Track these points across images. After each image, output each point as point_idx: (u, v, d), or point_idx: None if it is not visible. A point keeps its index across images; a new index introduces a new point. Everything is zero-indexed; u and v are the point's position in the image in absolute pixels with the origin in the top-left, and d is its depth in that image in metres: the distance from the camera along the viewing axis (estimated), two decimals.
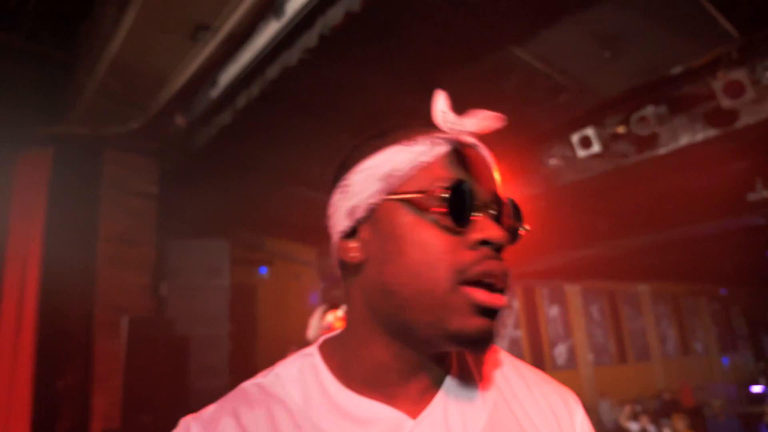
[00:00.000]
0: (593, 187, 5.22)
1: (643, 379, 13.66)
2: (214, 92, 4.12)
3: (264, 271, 7.91)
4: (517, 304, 11.63)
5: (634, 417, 8.30)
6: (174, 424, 0.77)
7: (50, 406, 4.73)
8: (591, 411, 11.21)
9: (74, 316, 4.58)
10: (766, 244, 9.13)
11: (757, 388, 13.53)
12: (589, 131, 4.51)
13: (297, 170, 5.88)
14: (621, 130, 4.51)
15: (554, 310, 12.37)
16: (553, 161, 4.90)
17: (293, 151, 5.39)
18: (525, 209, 0.75)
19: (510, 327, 11.36)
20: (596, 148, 4.51)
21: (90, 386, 4.54)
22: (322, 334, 1.88)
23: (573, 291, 12.80)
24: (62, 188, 4.80)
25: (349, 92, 4.38)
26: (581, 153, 4.60)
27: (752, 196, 5.33)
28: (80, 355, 4.64)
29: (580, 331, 12.61)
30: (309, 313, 8.49)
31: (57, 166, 4.82)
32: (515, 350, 11.26)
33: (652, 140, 4.44)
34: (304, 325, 8.42)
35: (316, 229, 7.69)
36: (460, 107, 0.69)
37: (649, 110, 4.26)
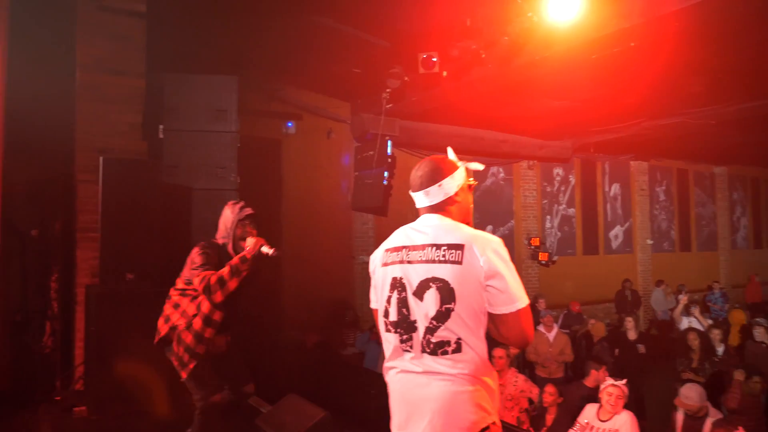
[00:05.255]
0: (704, 19, 3.93)
1: (706, 269, 12.38)
2: None
3: (290, 125, 7.02)
4: (573, 179, 10.53)
5: (687, 312, 7.44)
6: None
7: (41, 257, 4.21)
8: (645, 298, 10.43)
9: (49, 157, 3.85)
10: None
11: None
12: None
13: None
14: None
15: (615, 189, 11.23)
16: None
17: None
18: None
19: (563, 204, 10.39)
20: None
21: (74, 237, 3.91)
22: None
23: (639, 168, 11.48)
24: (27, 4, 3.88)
25: None
26: None
27: None
28: (61, 203, 3.98)
29: (641, 213, 11.50)
30: (341, 175, 7.63)
31: None
32: (567, 230, 10.37)
33: None
34: (334, 187, 7.64)
35: (349, 77, 6.56)
36: None
37: None
